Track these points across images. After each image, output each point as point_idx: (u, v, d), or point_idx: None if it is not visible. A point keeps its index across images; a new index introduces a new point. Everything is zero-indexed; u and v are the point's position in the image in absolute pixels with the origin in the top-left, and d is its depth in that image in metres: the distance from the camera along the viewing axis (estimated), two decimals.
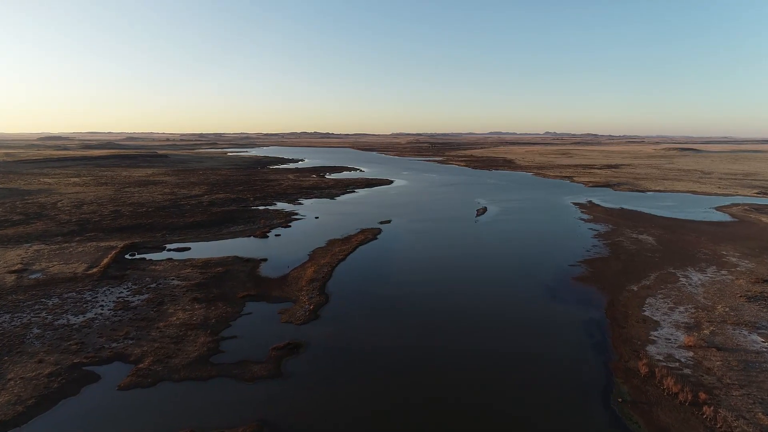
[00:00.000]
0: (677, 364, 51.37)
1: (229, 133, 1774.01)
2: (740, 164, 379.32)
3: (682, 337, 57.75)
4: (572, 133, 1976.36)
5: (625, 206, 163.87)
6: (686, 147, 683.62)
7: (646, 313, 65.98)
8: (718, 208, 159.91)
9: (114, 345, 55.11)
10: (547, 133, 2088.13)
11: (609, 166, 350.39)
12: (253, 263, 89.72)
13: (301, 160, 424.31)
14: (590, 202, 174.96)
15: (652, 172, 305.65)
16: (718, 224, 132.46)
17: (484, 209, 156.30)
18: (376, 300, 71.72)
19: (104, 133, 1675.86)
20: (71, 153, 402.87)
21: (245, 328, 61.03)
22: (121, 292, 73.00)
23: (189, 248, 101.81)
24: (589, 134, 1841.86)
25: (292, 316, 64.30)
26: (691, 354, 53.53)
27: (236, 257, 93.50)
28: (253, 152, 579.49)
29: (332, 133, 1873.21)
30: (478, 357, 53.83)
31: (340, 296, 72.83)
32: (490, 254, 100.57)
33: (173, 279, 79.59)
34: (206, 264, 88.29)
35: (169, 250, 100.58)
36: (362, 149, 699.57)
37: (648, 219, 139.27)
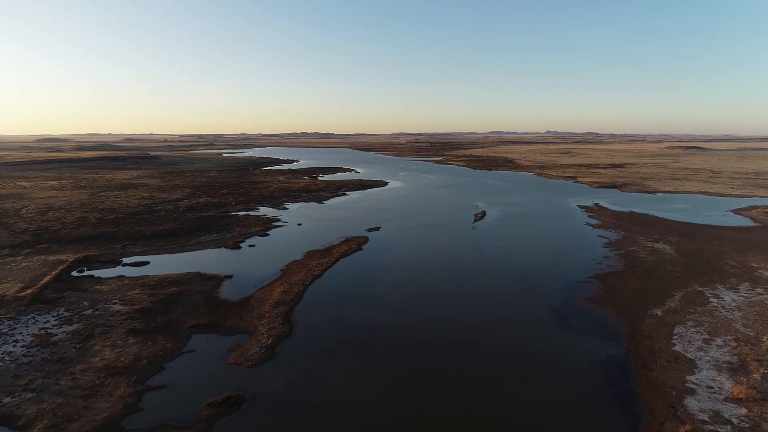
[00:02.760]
0: (729, 428, 39.50)
1: (229, 134, 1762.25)
2: (749, 162, 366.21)
3: (728, 385, 45.87)
4: (573, 131, 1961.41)
5: (635, 209, 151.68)
6: (690, 145, 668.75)
7: (677, 348, 54.06)
8: (736, 211, 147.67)
9: (7, 400, 43.38)
10: (548, 132, 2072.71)
11: (613, 166, 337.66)
12: (214, 281, 77.93)
13: (296, 161, 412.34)
14: (597, 205, 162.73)
15: (659, 171, 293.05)
16: (741, 230, 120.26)
17: (483, 214, 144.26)
18: (349, 331, 59.87)
19: (104, 134, 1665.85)
20: (60, 155, 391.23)
21: (182, 372, 49.22)
22: (48, 321, 61.30)
23: (148, 262, 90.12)
24: (590, 133, 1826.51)
25: (243, 355, 52.47)
26: (743, 411, 41.65)
27: (198, 273, 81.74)
28: (249, 153, 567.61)
29: (332, 134, 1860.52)
30: (470, 415, 42.02)
31: (307, 325, 61.01)
32: (488, 268, 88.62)
33: (115, 303, 67.85)
34: (160, 283, 76.51)
35: (125, 264, 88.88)
36: (361, 149, 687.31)
37: (662, 224, 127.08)
